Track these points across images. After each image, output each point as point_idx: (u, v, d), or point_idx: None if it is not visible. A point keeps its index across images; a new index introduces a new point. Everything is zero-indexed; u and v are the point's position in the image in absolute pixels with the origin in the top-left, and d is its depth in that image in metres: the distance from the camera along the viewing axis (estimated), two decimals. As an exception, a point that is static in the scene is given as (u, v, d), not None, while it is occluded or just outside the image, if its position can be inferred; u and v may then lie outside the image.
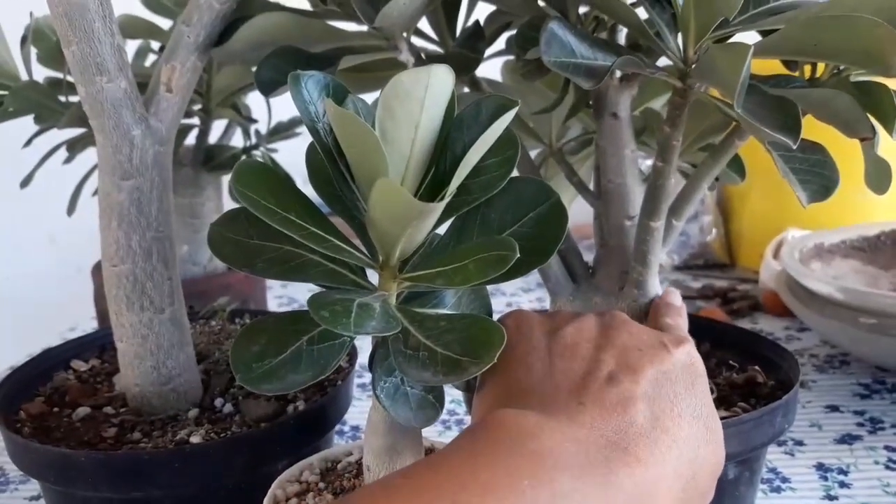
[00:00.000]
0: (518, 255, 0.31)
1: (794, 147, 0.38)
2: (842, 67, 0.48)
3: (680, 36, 0.45)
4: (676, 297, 0.51)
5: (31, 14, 0.72)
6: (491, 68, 0.60)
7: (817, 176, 0.46)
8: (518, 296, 1.08)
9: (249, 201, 0.33)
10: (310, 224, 0.34)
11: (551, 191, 0.37)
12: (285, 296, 1.11)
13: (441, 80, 0.31)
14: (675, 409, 0.38)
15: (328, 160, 0.35)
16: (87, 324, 1.01)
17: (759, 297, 0.97)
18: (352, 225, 0.37)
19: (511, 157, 0.35)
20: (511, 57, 0.64)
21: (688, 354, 0.42)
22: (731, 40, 0.46)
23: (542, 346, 0.42)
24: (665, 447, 0.37)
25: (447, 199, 0.33)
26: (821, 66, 0.49)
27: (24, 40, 0.71)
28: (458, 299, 0.40)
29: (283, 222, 0.33)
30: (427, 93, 0.31)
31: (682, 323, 0.48)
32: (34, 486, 0.65)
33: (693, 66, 0.44)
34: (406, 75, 0.31)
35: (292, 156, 0.73)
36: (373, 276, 0.39)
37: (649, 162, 0.65)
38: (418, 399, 0.37)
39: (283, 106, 0.75)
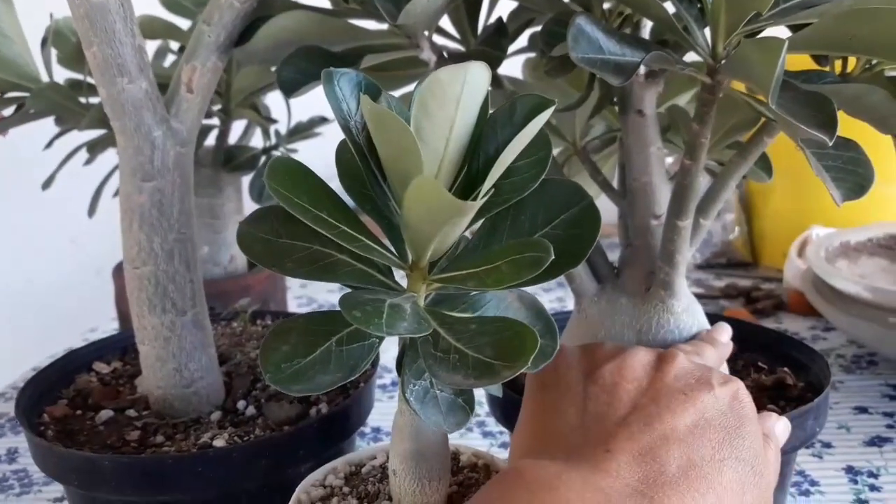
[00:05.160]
0: (552, 258, 0.30)
1: (830, 144, 0.37)
2: (874, 62, 0.47)
3: (708, 31, 0.44)
4: (724, 334, 0.50)
5: (51, 15, 0.72)
6: (510, 66, 0.60)
7: (851, 174, 0.45)
8: (538, 295, 1.06)
9: (284, 199, 0.32)
10: (342, 223, 0.33)
11: (584, 193, 0.36)
12: (304, 296, 1.11)
13: (477, 77, 0.31)
14: (716, 455, 0.37)
15: (360, 158, 0.34)
16: (108, 325, 1.01)
17: (783, 296, 0.95)
18: (381, 224, 0.37)
19: (543, 158, 0.34)
20: (532, 54, 0.63)
21: (734, 395, 0.41)
22: (761, 35, 0.45)
23: (578, 389, 0.41)
24: (699, 494, 0.36)
25: (484, 199, 0.32)
26: (852, 61, 0.48)
27: (44, 42, 0.71)
28: (496, 306, 0.39)
29: (316, 220, 0.33)
30: (463, 91, 0.30)
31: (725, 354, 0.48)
32: (58, 488, 0.65)
33: (723, 61, 0.44)
34: (443, 73, 0.30)
35: (311, 155, 0.73)
36: (400, 278, 0.38)
37: (670, 159, 0.65)
38: (448, 403, 0.36)
39: (303, 106, 0.74)
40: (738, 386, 0.41)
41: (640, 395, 0.39)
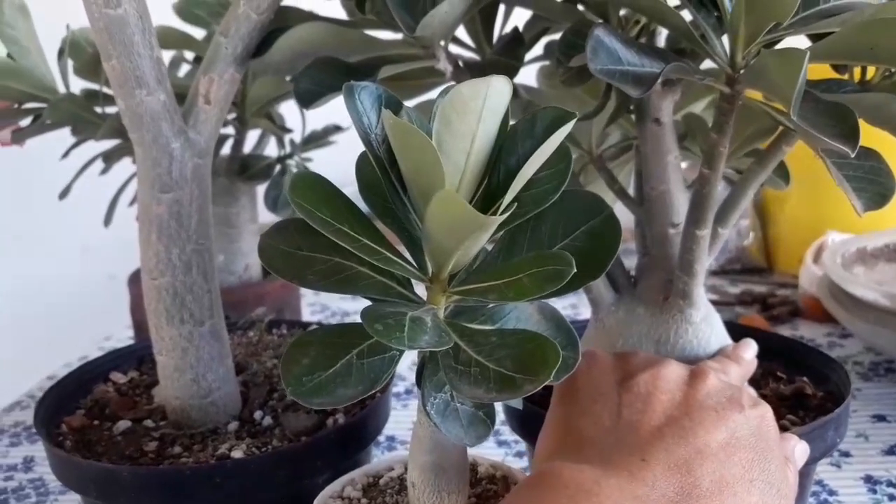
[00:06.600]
0: (574, 270, 0.30)
1: (853, 155, 0.37)
2: (894, 70, 0.46)
3: (726, 39, 0.44)
4: (749, 350, 0.51)
5: (67, 26, 0.72)
6: (524, 74, 0.59)
7: (872, 183, 0.44)
8: (552, 302, 1.06)
9: (306, 212, 0.33)
10: (363, 236, 0.33)
11: (604, 204, 0.36)
12: (317, 303, 1.11)
13: (499, 91, 0.31)
14: (746, 475, 0.38)
15: (380, 171, 0.34)
16: (122, 332, 1.01)
17: (798, 302, 0.95)
18: (402, 237, 0.37)
19: (563, 169, 0.34)
20: (547, 62, 0.63)
21: (762, 418, 0.41)
22: (780, 44, 0.44)
23: (612, 394, 0.41)
24: None
25: (507, 213, 0.32)
26: (871, 69, 0.48)
27: (61, 53, 0.71)
28: (517, 318, 0.39)
29: (337, 234, 0.33)
30: (485, 104, 0.30)
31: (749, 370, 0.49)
32: (74, 497, 0.65)
33: (741, 71, 0.43)
34: (465, 86, 0.30)
35: (325, 163, 0.73)
36: (419, 290, 0.38)
37: (684, 164, 0.64)
38: (469, 416, 0.36)
39: (317, 114, 0.75)
40: (766, 410, 0.42)
41: (674, 408, 0.40)
